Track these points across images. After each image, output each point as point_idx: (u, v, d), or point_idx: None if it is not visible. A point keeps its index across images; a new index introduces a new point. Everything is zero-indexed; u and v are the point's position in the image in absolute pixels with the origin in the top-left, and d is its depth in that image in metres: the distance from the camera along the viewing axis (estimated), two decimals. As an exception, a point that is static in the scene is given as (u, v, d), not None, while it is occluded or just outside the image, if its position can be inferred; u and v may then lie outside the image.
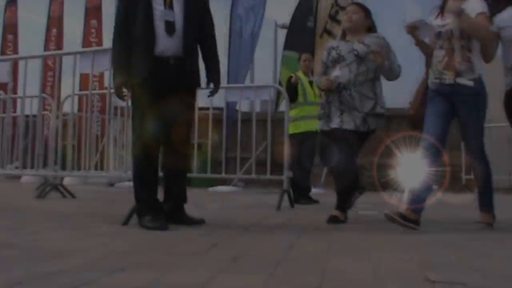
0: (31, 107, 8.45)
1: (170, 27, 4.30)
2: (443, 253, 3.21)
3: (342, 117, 4.84)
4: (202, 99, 4.95)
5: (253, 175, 7.44)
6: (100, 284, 2.17)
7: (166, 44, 4.28)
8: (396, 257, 3.01)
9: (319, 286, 2.18)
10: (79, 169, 8.04)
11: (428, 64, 4.69)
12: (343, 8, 11.49)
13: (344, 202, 4.87)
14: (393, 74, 4.97)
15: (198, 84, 4.53)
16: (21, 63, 8.38)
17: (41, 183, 8.35)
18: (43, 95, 8.76)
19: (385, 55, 4.83)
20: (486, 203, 4.57)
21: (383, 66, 4.82)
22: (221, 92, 4.67)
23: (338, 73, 4.93)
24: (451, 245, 3.48)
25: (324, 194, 9.40)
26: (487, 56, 4.52)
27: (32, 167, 8.09)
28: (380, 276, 2.39)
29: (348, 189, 4.88)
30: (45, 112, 10.33)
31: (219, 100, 5.03)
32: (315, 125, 6.72)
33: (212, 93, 4.69)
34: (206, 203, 7.01)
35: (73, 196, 7.46)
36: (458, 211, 6.59)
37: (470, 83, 4.37)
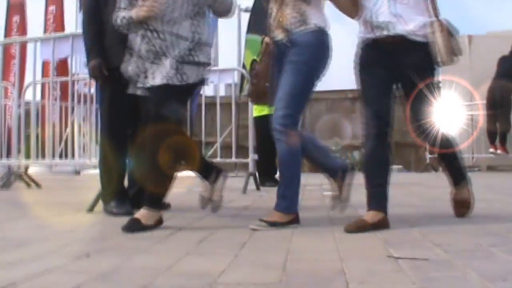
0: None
1: None
2: (406, 231, 3.25)
3: (151, 68, 3.53)
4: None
5: (219, 159, 7.43)
6: (66, 269, 2.18)
7: None
8: (360, 236, 3.05)
9: (283, 265, 2.21)
10: (43, 158, 7.94)
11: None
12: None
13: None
14: (223, 6, 3.75)
15: None
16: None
17: (5, 172, 8.25)
18: (3, 83, 8.61)
19: None
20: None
21: None
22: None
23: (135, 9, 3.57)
24: (415, 223, 3.52)
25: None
26: (350, 13, 3.62)
27: (-5, 157, 7.99)
28: (344, 254, 2.43)
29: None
30: (7, 101, 10.16)
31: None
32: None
33: None
34: (172, 188, 6.99)
35: (38, 185, 7.39)
36: (422, 190, 6.70)
37: (298, 35, 3.50)
